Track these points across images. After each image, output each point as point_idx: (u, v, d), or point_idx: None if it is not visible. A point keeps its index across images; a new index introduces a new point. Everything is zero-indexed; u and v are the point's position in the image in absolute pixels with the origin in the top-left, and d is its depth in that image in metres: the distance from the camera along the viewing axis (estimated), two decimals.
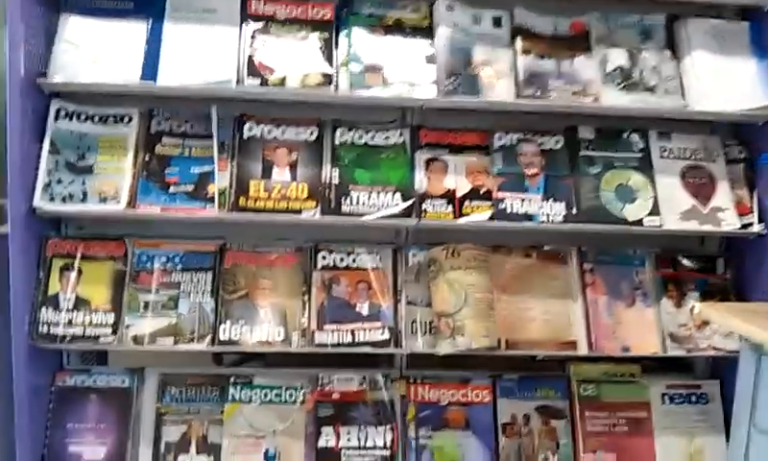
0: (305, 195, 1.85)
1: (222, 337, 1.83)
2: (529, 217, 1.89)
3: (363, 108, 1.94)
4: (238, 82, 1.81)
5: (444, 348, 1.85)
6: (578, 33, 1.97)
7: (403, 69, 1.86)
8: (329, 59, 1.85)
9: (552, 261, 2.00)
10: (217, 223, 1.89)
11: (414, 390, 1.95)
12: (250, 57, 1.83)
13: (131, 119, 1.88)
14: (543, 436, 1.96)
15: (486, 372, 2.00)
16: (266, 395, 1.93)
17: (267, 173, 1.87)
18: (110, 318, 1.82)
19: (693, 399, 2.04)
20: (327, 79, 1.83)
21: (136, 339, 1.81)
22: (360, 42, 1.88)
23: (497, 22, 1.94)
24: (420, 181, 1.89)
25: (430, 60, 1.87)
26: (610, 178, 1.95)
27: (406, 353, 1.93)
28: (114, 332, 1.81)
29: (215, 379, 1.94)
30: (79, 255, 1.86)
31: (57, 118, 1.84)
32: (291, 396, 1.93)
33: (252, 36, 1.85)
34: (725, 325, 1.78)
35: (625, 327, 1.94)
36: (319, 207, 1.84)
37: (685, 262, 2.04)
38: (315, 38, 1.88)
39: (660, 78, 1.94)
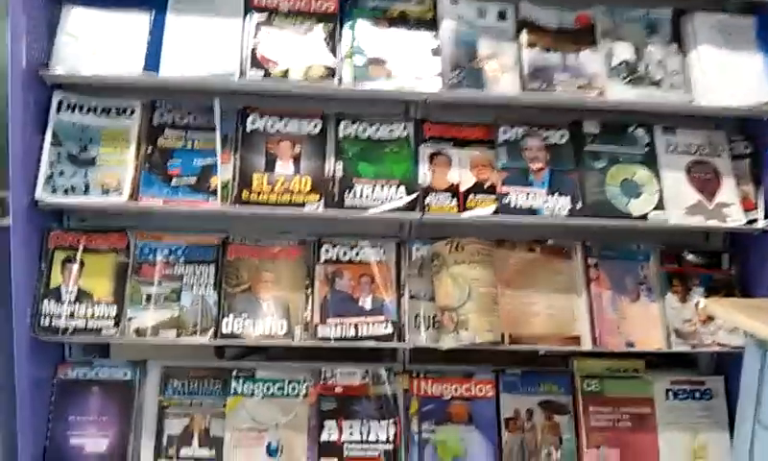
0: (309, 188, 1.84)
1: (224, 330, 1.83)
2: (533, 211, 1.88)
3: (366, 101, 1.93)
4: (241, 74, 1.80)
5: (448, 342, 1.84)
6: (583, 26, 1.96)
7: (407, 62, 1.85)
8: (333, 51, 1.84)
9: (556, 256, 1.99)
10: (220, 216, 1.88)
11: (417, 384, 1.95)
12: (253, 49, 1.82)
13: (133, 111, 1.88)
14: (546, 431, 1.96)
15: (489, 366, 2.00)
16: (268, 388, 1.92)
17: (270, 166, 1.86)
18: (113, 310, 1.82)
19: (697, 394, 2.03)
20: (331, 71, 1.82)
21: (139, 332, 1.81)
22: (364, 35, 1.87)
23: (502, 15, 1.94)
24: (424, 174, 1.88)
25: (434, 53, 1.86)
26: (615, 172, 1.94)
27: (409, 348, 1.93)
28: (117, 325, 1.81)
29: (218, 372, 1.94)
30: (81, 248, 1.86)
31: (59, 110, 1.83)
32: (294, 389, 1.93)
33: (256, 28, 1.84)
34: (730, 320, 1.78)
35: (629, 323, 1.94)
36: (322, 201, 1.83)
37: (690, 258, 2.04)
38: (319, 31, 1.87)
39: (666, 72, 1.93)
